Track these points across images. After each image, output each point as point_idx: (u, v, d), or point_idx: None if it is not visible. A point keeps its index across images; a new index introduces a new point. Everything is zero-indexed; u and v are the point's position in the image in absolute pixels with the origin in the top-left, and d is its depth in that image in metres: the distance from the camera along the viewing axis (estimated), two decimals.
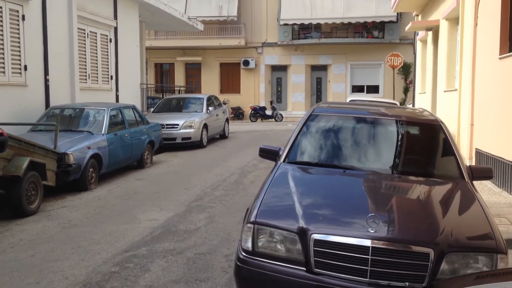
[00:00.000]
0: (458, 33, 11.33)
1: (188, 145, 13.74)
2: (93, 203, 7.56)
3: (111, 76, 14.07)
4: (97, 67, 13.37)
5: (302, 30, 27.86)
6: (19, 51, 10.05)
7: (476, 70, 9.36)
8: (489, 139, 8.51)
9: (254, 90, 28.86)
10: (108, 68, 13.95)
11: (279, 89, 29.41)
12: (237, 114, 27.89)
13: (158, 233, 5.94)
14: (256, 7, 28.49)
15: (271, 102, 27.36)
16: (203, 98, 15.61)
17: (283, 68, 28.84)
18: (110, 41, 14.01)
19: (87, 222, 6.47)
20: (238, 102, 28.45)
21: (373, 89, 27.78)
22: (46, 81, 10.92)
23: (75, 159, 8.02)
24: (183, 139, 13.67)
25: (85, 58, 12.77)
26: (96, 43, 13.33)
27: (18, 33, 10.00)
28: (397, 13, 24.89)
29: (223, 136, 16.65)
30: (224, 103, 21.08)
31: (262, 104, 27.90)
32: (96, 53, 13.35)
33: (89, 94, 12.66)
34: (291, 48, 28.17)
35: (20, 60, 10.08)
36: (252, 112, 26.42)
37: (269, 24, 28.32)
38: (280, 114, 26.31)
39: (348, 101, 14.82)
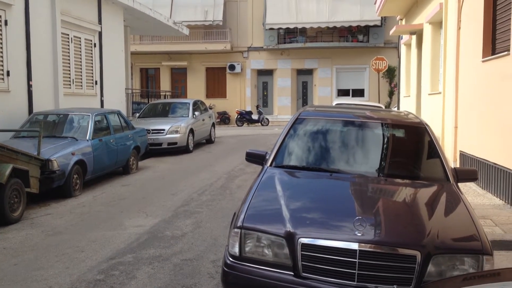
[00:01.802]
0: (441, 37, 11.46)
1: (174, 150, 13.66)
2: (78, 210, 7.46)
3: (96, 81, 13.95)
4: (81, 72, 13.24)
5: (288, 34, 27.96)
6: (2, 57, 9.92)
7: (459, 73, 9.47)
8: (473, 141, 8.60)
9: (240, 95, 28.86)
10: (92, 73, 13.83)
11: (265, 93, 29.45)
12: (223, 118, 27.85)
13: (144, 239, 5.87)
14: (241, 12, 28.53)
15: (257, 107, 27.37)
16: (189, 103, 15.55)
17: (269, 72, 28.89)
18: (95, 46, 13.90)
19: (71, 229, 6.38)
20: (224, 107, 28.42)
21: (359, 92, 27.96)
22: (29, 86, 10.78)
23: (59, 166, 7.92)
24: (169, 144, 13.59)
25: (69, 63, 12.64)
26: (80, 48, 13.20)
27: (1, 38, 9.88)
28: (382, 17, 25.12)
29: (209, 141, 16.60)
30: (210, 108, 21.03)
31: (248, 108, 27.90)
32: (80, 58, 13.23)
33: (73, 99, 12.53)
34: (277, 52, 28.25)
35: (2, 65, 9.94)
36: (238, 116, 26.41)
37: (254, 28, 28.38)
38: (266, 119, 26.33)
39: (334, 104, 14.88)
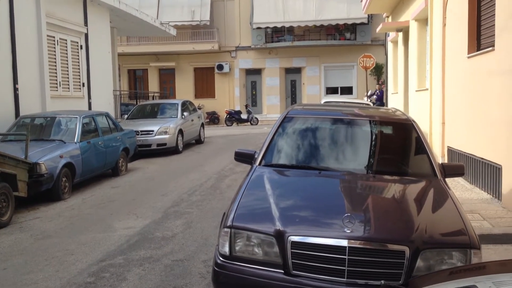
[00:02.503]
0: (427, 34, 11.55)
1: (164, 151, 13.62)
2: (67, 213, 7.42)
3: (83, 83, 13.85)
4: (68, 74, 13.15)
5: (275, 33, 27.99)
6: None
7: (446, 69, 9.55)
8: (460, 137, 8.68)
9: (229, 94, 28.84)
10: (79, 75, 13.73)
11: (253, 92, 29.45)
12: (213, 118, 27.81)
13: (134, 241, 5.85)
14: (228, 11, 28.50)
15: (246, 106, 27.37)
16: (177, 104, 15.50)
17: (258, 72, 28.91)
18: (81, 47, 13.80)
19: (61, 233, 6.34)
20: (213, 107, 28.38)
21: (347, 90, 28.07)
22: (15, 90, 10.68)
23: (47, 169, 7.86)
24: (158, 145, 13.54)
25: (56, 66, 12.55)
26: (66, 50, 13.11)
27: None
28: (368, 15, 25.25)
29: (198, 141, 16.57)
30: (199, 108, 20.99)
31: (237, 108, 27.89)
32: (67, 60, 13.13)
33: (61, 102, 12.43)
34: (265, 52, 28.27)
35: None
36: (228, 116, 26.39)
37: (242, 28, 28.36)
38: (256, 118, 26.34)
39: (322, 102, 14.94)
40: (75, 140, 9.01)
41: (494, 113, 7.00)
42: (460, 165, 4.70)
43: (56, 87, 12.53)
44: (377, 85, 21.59)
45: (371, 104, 15.45)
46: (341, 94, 27.84)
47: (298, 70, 28.69)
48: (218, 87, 29.05)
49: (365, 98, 20.25)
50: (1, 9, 10.28)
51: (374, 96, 20.29)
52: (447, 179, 4.39)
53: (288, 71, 28.77)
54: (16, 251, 5.62)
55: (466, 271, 2.10)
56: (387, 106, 17.87)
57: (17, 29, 10.69)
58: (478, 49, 7.93)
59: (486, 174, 7.35)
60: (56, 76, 12.53)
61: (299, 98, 28.88)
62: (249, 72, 29.01)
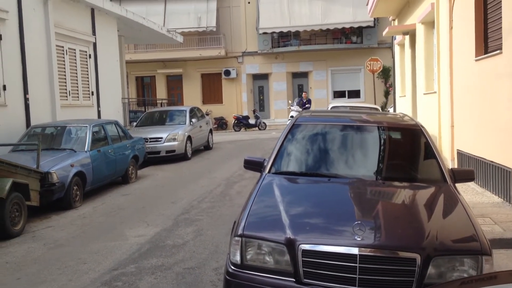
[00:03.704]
0: (434, 37, 11.53)
1: (173, 158, 13.69)
2: (79, 221, 7.48)
3: (92, 92, 13.98)
4: (77, 83, 13.28)
5: (282, 38, 28.05)
6: None
7: (453, 72, 9.53)
8: (470, 140, 8.65)
9: (236, 100, 28.91)
10: (88, 84, 13.86)
11: (261, 97, 29.50)
12: (221, 124, 27.87)
13: (146, 249, 5.90)
14: (234, 17, 28.62)
15: (254, 111, 27.42)
16: (185, 110, 15.58)
17: (265, 77, 28.96)
18: (90, 56, 13.94)
19: (73, 241, 6.40)
20: (221, 112, 28.45)
21: (354, 93, 28.03)
22: (26, 100, 10.81)
23: (59, 178, 7.94)
24: (167, 152, 13.61)
25: (65, 75, 12.68)
26: (75, 59, 13.24)
27: None
28: (374, 18, 25.23)
29: (207, 147, 16.63)
30: (207, 114, 21.07)
31: (245, 113, 27.94)
32: (76, 70, 13.27)
33: (71, 111, 12.56)
34: (271, 56, 28.33)
35: None
36: (235, 121, 26.45)
37: (248, 33, 28.46)
38: (264, 123, 26.36)
39: (329, 108, 14.93)
40: (86, 149, 9.10)
41: (503, 116, 6.98)
42: (470, 170, 4.69)
43: (66, 96, 12.66)
44: (303, 93, 21.39)
45: (379, 109, 15.40)
46: (348, 97, 27.83)
47: (305, 75, 28.71)
48: (226, 92, 29.14)
49: (292, 109, 19.82)
50: (11, 21, 10.42)
51: (294, 107, 19.69)
52: (457, 184, 4.39)
53: (295, 75, 28.80)
54: (29, 261, 5.69)
55: (478, 281, 2.11)
56: (394, 110, 17.83)
57: (26, 40, 10.83)
58: (486, 52, 7.91)
59: (496, 177, 7.32)
60: (65, 86, 12.66)
61: None
62: (256, 77, 29.08)
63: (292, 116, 18.39)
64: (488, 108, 7.62)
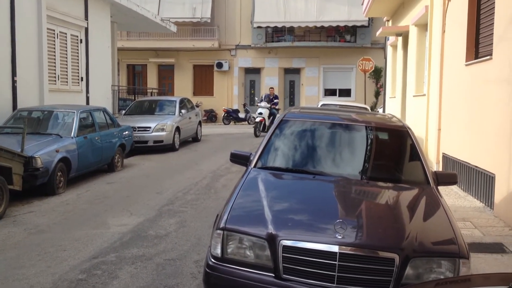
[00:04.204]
0: (426, 39, 11.58)
1: (160, 148, 13.63)
2: (61, 208, 7.42)
3: (82, 78, 13.85)
4: (67, 68, 13.14)
5: (276, 33, 28.00)
6: None
7: (443, 76, 9.59)
8: (455, 144, 8.72)
9: (227, 93, 28.83)
10: (78, 69, 13.73)
11: (252, 91, 29.46)
12: (210, 116, 27.80)
13: (127, 238, 5.87)
14: (229, 10, 28.49)
15: (244, 105, 27.37)
16: (175, 101, 15.51)
17: (257, 71, 28.91)
18: (81, 41, 13.80)
19: (54, 228, 6.35)
20: (211, 105, 28.37)
21: (345, 92, 28.10)
22: (14, 82, 10.67)
23: (43, 163, 7.86)
24: (155, 142, 13.54)
25: (55, 59, 12.54)
26: (66, 44, 13.10)
27: None
28: (369, 18, 25.28)
29: (195, 139, 16.58)
30: (197, 106, 20.98)
31: (235, 106, 27.89)
32: (66, 54, 13.13)
33: (59, 95, 12.43)
34: (265, 51, 28.27)
35: None
36: (225, 114, 26.40)
37: (242, 26, 28.36)
38: (253, 117, 26.30)
39: (319, 105, 14.95)
40: (72, 135, 9.01)
41: (489, 121, 7.04)
42: (453, 173, 4.73)
43: (55, 80, 12.52)
44: (270, 88, 20.26)
45: (369, 108, 15.44)
46: (339, 96, 27.88)
47: (297, 71, 28.71)
48: (217, 85, 29.04)
49: (259, 105, 18.50)
50: (2, 2, 10.26)
51: (262, 103, 18.43)
52: (440, 187, 4.43)
53: (287, 71, 28.79)
54: (9, 245, 5.63)
55: (452, 283, 2.14)
56: (384, 111, 17.91)
57: (17, 22, 10.68)
58: (476, 57, 7.97)
59: (479, 182, 7.39)
60: (54, 70, 12.52)
61: (298, 98, 28.90)
62: (248, 71, 29.01)
63: (260, 113, 17.99)
64: (475, 113, 7.69)
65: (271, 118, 18.20)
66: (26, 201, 7.76)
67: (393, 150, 4.97)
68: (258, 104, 18.79)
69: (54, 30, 12.47)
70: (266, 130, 17.37)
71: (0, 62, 10.27)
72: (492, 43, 7.11)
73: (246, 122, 26.06)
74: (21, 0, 10.87)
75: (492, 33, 7.13)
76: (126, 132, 11.42)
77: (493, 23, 7.14)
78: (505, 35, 6.57)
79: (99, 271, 4.81)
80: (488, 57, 7.18)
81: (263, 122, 17.92)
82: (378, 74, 25.72)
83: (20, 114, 9.56)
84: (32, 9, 11.40)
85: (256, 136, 17.36)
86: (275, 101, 18.98)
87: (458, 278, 2.71)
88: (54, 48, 12.51)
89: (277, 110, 18.98)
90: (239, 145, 14.94)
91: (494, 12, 7.11)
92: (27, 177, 7.60)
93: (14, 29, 10.60)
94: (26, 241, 5.78)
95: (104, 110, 10.96)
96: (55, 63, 12.54)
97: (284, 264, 3.25)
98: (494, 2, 7.14)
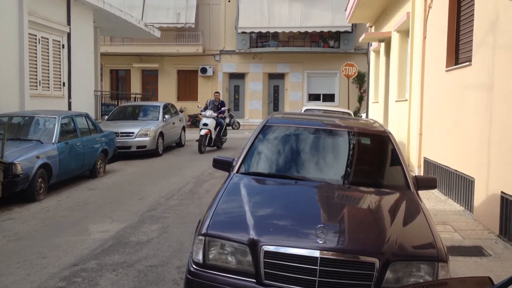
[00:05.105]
0: (408, 45, 11.74)
1: (143, 153, 13.55)
2: (41, 214, 7.32)
3: (64, 83, 13.71)
4: (48, 73, 13.01)
5: (260, 39, 28.10)
6: None
7: (425, 81, 9.72)
8: (436, 148, 8.83)
9: (211, 98, 28.78)
10: (60, 75, 13.59)
11: (236, 96, 29.48)
12: (194, 121, 27.69)
13: (108, 245, 5.81)
14: (214, 15, 28.52)
15: (228, 110, 27.28)
16: (159, 106, 15.45)
17: (241, 76, 28.95)
18: (63, 47, 13.67)
19: (34, 235, 6.26)
20: (196, 110, 28.25)
21: (329, 97, 28.30)
22: None
23: (23, 169, 7.75)
24: (138, 147, 13.46)
25: (36, 64, 12.41)
26: (48, 49, 12.97)
27: None
28: (352, 24, 25.53)
29: (179, 144, 16.51)
30: (181, 111, 20.91)
31: None
32: (48, 59, 13.00)
33: (40, 101, 12.28)
34: (249, 56, 28.34)
35: None
36: (229, 117, 26.33)
37: (227, 32, 28.41)
38: (237, 122, 26.34)
39: (303, 110, 15.01)
40: (53, 141, 8.91)
41: (469, 126, 7.15)
42: (432, 178, 4.78)
43: (36, 86, 12.39)
44: (215, 94, 16.45)
45: (352, 113, 15.54)
46: (323, 101, 28.07)
47: (281, 76, 28.82)
48: (201, 90, 28.99)
49: (203, 114, 15.02)
50: None
51: (207, 112, 14.91)
52: (422, 191, 4.48)
53: (272, 76, 28.89)
54: None
55: (429, 287, 2.16)
56: (367, 116, 18.06)
57: None
58: (456, 63, 8.09)
59: (459, 186, 7.49)
60: (36, 75, 12.39)
61: (282, 103, 29.01)
62: (233, 76, 29.04)
63: (205, 124, 14.56)
64: (455, 118, 7.80)
65: (217, 129, 15.12)
66: (5, 207, 7.63)
67: (375, 155, 5.01)
68: (202, 113, 15.24)
69: (35, 35, 12.35)
70: (212, 144, 14.82)
71: None
72: (471, 50, 7.23)
73: (231, 127, 26.03)
74: (2, 5, 10.75)
75: (472, 40, 7.25)
76: (108, 138, 11.32)
77: (472, 29, 7.26)
78: (484, 42, 6.69)
79: (79, 279, 4.74)
80: (468, 63, 7.29)
81: (208, 135, 14.61)
82: (361, 79, 25.95)
83: (0, 119, 9.42)
84: (14, 14, 11.27)
85: (200, 152, 14.22)
86: (222, 109, 15.62)
87: (435, 282, 2.75)
88: (36, 53, 12.38)
89: (225, 118, 16.17)
90: (223, 150, 14.91)
91: (473, 19, 7.23)
92: (7, 184, 7.48)
93: None
94: (5, 249, 5.69)
95: (86, 116, 10.86)
96: (36, 68, 12.40)
97: (265, 270, 3.25)
98: (473, 10, 7.27)
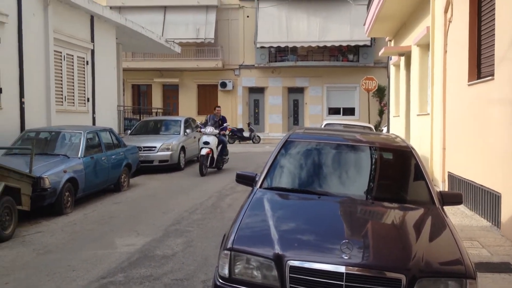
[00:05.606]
0: (429, 59, 11.69)
1: (166, 167, 13.70)
2: (69, 228, 7.48)
3: (88, 98, 14.02)
4: (73, 89, 13.33)
5: (279, 53, 28.30)
6: None
7: (447, 95, 9.67)
8: (461, 163, 8.75)
9: (231, 112, 29.01)
10: (85, 90, 13.91)
11: (256, 110, 29.64)
12: None
13: (135, 258, 5.91)
14: (232, 30, 28.85)
15: (249, 124, 27.52)
16: (180, 121, 15.65)
17: (260, 90, 29.13)
18: (87, 63, 14.00)
19: (62, 248, 6.40)
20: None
21: (349, 111, 28.25)
22: (22, 104, 10.84)
23: (51, 183, 7.94)
24: (160, 161, 13.63)
25: (62, 81, 12.73)
26: (72, 65, 13.31)
27: None
28: (371, 38, 25.54)
29: None
30: (198, 126, 21.09)
31: (239, 125, 28.04)
32: (73, 76, 13.33)
33: (66, 116, 12.58)
34: (268, 71, 28.53)
35: None
36: (230, 133, 26.49)
37: (246, 46, 28.68)
38: (258, 136, 26.46)
39: (323, 125, 15.02)
40: (79, 155, 9.11)
41: (493, 140, 7.09)
42: (458, 193, 4.76)
43: (62, 101, 12.70)
44: (217, 108, 14.68)
45: (372, 127, 15.48)
46: (343, 115, 28.04)
47: (301, 90, 28.91)
48: (221, 104, 29.02)
49: (204, 131, 13.57)
50: (10, 24, 10.48)
51: (208, 129, 13.47)
52: (446, 207, 4.46)
53: (291, 90, 29.00)
54: (18, 266, 5.68)
55: None
56: (388, 130, 17.97)
57: (25, 44, 10.89)
58: (479, 78, 8.05)
59: (485, 201, 7.41)
60: (61, 91, 12.70)
61: (302, 117, 29.05)
62: (252, 90, 29.24)
63: (206, 142, 13.06)
64: (480, 132, 7.74)
65: (219, 147, 13.64)
66: (34, 221, 7.82)
67: (398, 170, 5.01)
68: (202, 129, 13.77)
69: (61, 52, 12.69)
70: (214, 165, 13.42)
71: (9, 83, 10.44)
72: (493, 64, 7.20)
73: (251, 141, 26.18)
74: (29, 23, 11.10)
75: (493, 54, 7.23)
76: (132, 152, 11.51)
77: (494, 43, 7.24)
78: (506, 56, 6.66)
79: None
80: (490, 77, 7.26)
81: (210, 155, 13.19)
82: (381, 93, 25.86)
83: (28, 135, 9.68)
84: (39, 32, 11.63)
85: (202, 174, 12.85)
86: (224, 125, 14.07)
87: None
88: (61, 69, 12.72)
89: (227, 136, 13.78)
90: (244, 164, 14.98)
91: (494, 33, 7.22)
92: (35, 198, 7.67)
93: (22, 52, 10.81)
94: (35, 262, 5.83)
95: (110, 130, 11.08)
96: (62, 84, 12.72)
97: (291, 285, 3.28)
98: (494, 24, 7.25)
